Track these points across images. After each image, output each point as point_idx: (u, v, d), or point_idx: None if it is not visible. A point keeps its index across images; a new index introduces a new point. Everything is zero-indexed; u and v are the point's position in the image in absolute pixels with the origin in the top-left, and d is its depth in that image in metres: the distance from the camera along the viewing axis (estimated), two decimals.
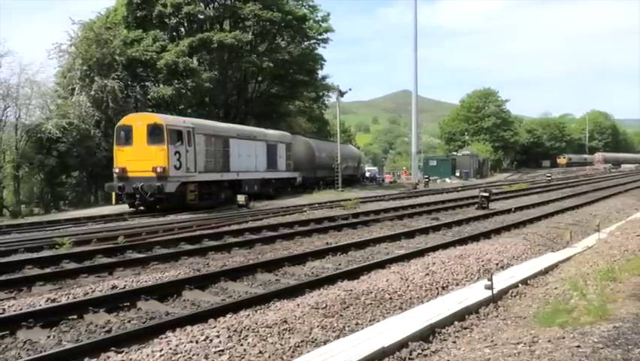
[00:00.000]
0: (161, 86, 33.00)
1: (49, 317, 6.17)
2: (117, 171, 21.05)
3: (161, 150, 20.47)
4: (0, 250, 11.30)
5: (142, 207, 21.10)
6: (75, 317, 6.38)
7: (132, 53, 31.51)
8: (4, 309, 6.50)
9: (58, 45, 31.13)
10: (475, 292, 6.90)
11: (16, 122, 29.51)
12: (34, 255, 10.76)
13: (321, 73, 44.33)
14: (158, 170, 20.12)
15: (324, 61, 43.36)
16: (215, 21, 37.67)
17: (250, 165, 26.65)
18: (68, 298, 7.07)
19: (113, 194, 21.72)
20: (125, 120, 22.18)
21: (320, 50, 42.88)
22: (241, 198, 23.48)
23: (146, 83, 34.31)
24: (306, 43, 41.64)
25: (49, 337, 5.78)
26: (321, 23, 42.12)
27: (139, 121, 21.40)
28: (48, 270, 9.17)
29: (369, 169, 59.15)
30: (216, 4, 38.14)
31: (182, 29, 37.59)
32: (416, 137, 50.69)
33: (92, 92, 29.23)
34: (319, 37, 42.05)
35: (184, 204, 21.21)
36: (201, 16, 36.88)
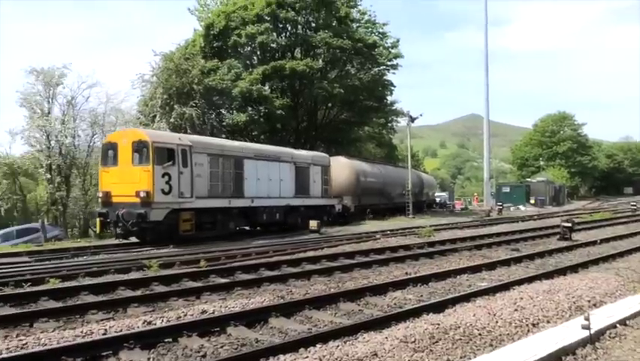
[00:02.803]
0: (235, 113, 34.03)
1: (147, 339, 6.42)
2: (101, 195, 18.79)
3: (145, 172, 17.66)
4: (93, 270, 11.92)
5: (135, 238, 18.77)
6: (170, 340, 6.60)
7: (209, 81, 32.68)
8: (106, 330, 6.83)
9: (141, 75, 32.87)
10: (570, 332, 6.65)
11: None
12: (125, 276, 11.30)
13: (390, 98, 44.50)
14: (141, 194, 17.33)
15: (394, 86, 43.63)
16: (287, 49, 38.59)
17: (272, 190, 23.33)
18: (162, 321, 7.33)
19: (98, 221, 18.53)
20: (111, 137, 19.76)
21: (389, 76, 43.18)
22: (313, 224, 23.72)
23: (222, 110, 35.48)
24: (375, 69, 41.99)
25: (149, 359, 6.02)
26: (390, 50, 42.43)
27: (124, 138, 18.76)
28: (139, 292, 9.57)
29: (438, 195, 58.34)
30: (288, 33, 39.12)
31: (256, 58, 38.69)
32: (488, 162, 49.78)
33: (172, 120, 30.45)
34: (389, 63, 42.35)
35: (177, 236, 18.39)
36: (274, 45, 37.85)
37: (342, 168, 31.00)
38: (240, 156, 21.81)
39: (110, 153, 18.97)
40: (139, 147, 18.07)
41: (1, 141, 39.48)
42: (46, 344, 6.23)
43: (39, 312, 7.92)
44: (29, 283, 10.43)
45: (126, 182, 17.91)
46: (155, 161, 17.69)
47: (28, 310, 8.16)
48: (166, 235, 18.15)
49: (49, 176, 30.47)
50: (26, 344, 6.30)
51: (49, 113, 30.74)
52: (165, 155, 18.17)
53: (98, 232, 19.86)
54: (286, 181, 24.20)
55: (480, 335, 6.87)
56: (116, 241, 18.70)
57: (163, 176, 17.88)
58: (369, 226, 27.57)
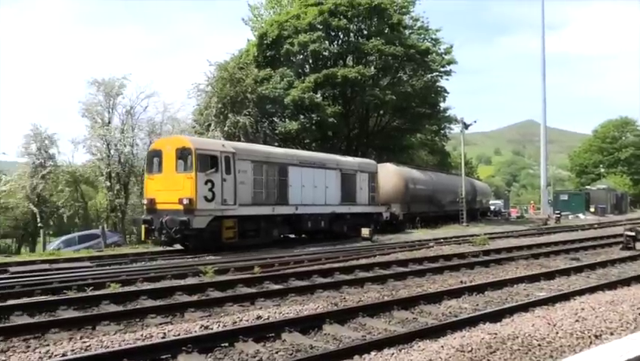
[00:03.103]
0: (287, 121, 34.39)
1: (204, 343, 6.53)
2: (146, 202, 18.94)
3: (188, 179, 17.68)
4: (151, 275, 12.26)
5: (180, 246, 18.95)
6: (227, 344, 6.70)
7: (262, 90, 33.17)
8: (165, 333, 7.00)
9: (197, 85, 33.70)
10: (636, 344, 6.37)
11: None
12: (181, 282, 11.57)
13: (443, 105, 44.03)
14: (184, 202, 17.34)
15: (447, 93, 43.15)
16: (339, 57, 38.73)
17: (317, 197, 22.95)
18: (219, 326, 7.46)
19: (143, 228, 18.83)
20: (156, 144, 19.83)
21: (442, 82, 42.72)
22: (365, 232, 23.62)
23: (274, 119, 35.92)
24: (428, 75, 41.62)
25: None
26: (444, 56, 41.99)
27: (168, 145, 18.78)
28: (195, 297, 9.77)
29: (493, 203, 57.18)
30: (340, 41, 39.28)
31: (308, 66, 39.00)
32: (545, 169, 48.41)
33: (226, 128, 31.03)
34: (442, 69, 41.91)
35: (220, 243, 18.32)
36: (326, 53, 38.08)
37: (391, 175, 30.60)
38: (285, 163, 21.57)
39: (154, 161, 19.06)
40: (182, 154, 18.10)
41: (64, 150, 41.19)
42: (108, 347, 6.43)
43: (101, 315, 8.18)
44: (91, 288, 10.79)
45: (170, 189, 17.90)
46: (198, 168, 17.66)
47: (91, 314, 8.44)
48: (209, 243, 18.05)
49: (108, 184, 31.59)
50: (90, 346, 6.51)
51: (109, 122, 31.93)
52: (208, 162, 18.09)
53: (142, 238, 19.89)
54: (332, 188, 23.81)
55: (539, 345, 6.68)
56: (160, 248, 18.97)
57: (206, 183, 17.82)
58: (421, 233, 27.27)
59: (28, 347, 6.73)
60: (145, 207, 19.12)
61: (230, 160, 18.79)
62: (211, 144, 20.09)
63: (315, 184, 22.80)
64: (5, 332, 7.17)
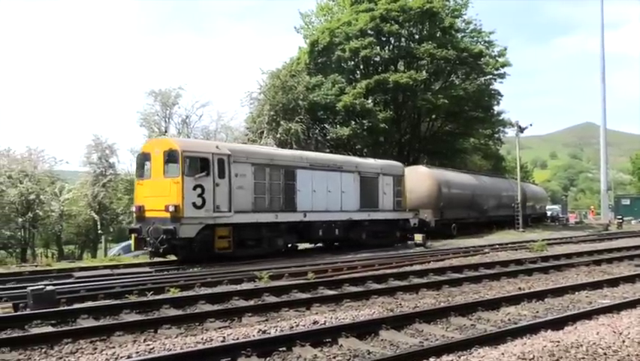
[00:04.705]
0: (339, 127, 34.46)
1: (262, 348, 6.62)
2: (135, 209, 17.45)
3: (175, 184, 16.17)
4: (208, 280, 12.52)
5: (174, 256, 17.38)
6: (284, 348, 6.77)
7: (314, 97, 33.38)
8: (224, 337, 7.14)
9: (250, 93, 34.25)
10: None
11: None
12: (238, 287, 11.77)
13: (497, 108, 43.15)
14: (170, 209, 15.82)
15: (501, 96, 42.31)
16: (390, 62, 38.56)
17: (332, 203, 21.03)
18: (276, 330, 7.55)
19: (133, 238, 17.32)
20: (145, 147, 18.25)
21: (496, 85, 41.95)
22: (418, 237, 23.36)
23: (325, 125, 36.08)
24: (481, 79, 40.96)
25: None
26: (497, 58, 41.19)
27: (157, 148, 17.16)
28: (252, 302, 9.92)
29: (550, 208, 55.57)
30: (391, 46, 39.14)
31: (359, 72, 39.02)
32: (605, 173, 46.72)
33: (278, 135, 31.41)
34: (495, 72, 41.12)
35: (213, 254, 16.85)
36: (377, 59, 37.99)
37: (422, 178, 28.47)
38: (292, 166, 19.80)
39: (143, 165, 17.65)
40: (170, 157, 16.55)
41: (123, 159, 43.02)
42: (170, 349, 6.61)
43: (162, 319, 8.41)
44: (151, 292, 11.10)
45: (158, 195, 16.44)
46: (185, 171, 16.24)
47: (153, 317, 8.70)
48: (201, 253, 16.73)
49: None
50: (153, 348, 6.71)
51: (165, 131, 32.85)
52: (198, 165, 16.66)
53: (133, 249, 18.78)
54: (349, 193, 21.76)
55: (605, 354, 6.46)
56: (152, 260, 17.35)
57: (195, 188, 16.30)
58: (475, 240, 26.74)
59: (95, 348, 6.99)
60: (134, 214, 17.68)
61: (225, 163, 17.19)
62: (202, 145, 18.80)
63: (329, 189, 20.95)
64: (73, 335, 7.48)
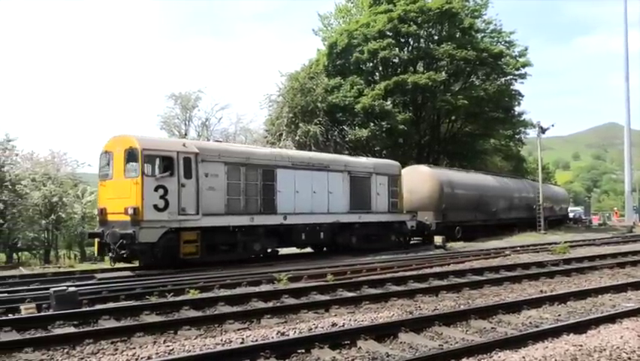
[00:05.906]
0: (358, 128, 34.43)
1: (281, 349, 6.62)
2: (97, 212, 16.41)
3: (135, 185, 15.09)
4: (227, 282, 12.59)
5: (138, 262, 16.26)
6: (303, 350, 6.76)
7: (332, 99, 33.41)
8: (243, 339, 7.16)
9: (269, 96, 34.42)
10: None
11: None
12: (256, 288, 11.81)
13: (517, 109, 42.76)
14: (129, 211, 14.83)
15: (522, 96, 41.91)
16: (409, 63, 38.48)
17: (317, 204, 19.79)
18: (295, 332, 7.55)
19: (96, 243, 16.21)
20: (107, 145, 16.62)
21: (517, 86, 41.53)
22: (438, 240, 23.23)
23: (344, 127, 36.08)
24: (502, 79, 40.60)
25: None
26: (518, 58, 40.79)
27: (118, 146, 15.97)
28: (271, 304, 9.93)
29: (572, 210, 54.86)
30: (410, 47, 39.02)
31: (377, 73, 38.96)
32: (630, 174, 45.94)
33: (297, 137, 31.51)
34: (516, 72, 40.72)
35: (179, 260, 15.73)
36: (395, 60, 37.92)
37: (423, 178, 27.04)
38: (271, 165, 18.63)
39: (104, 164, 16.53)
40: (130, 156, 15.46)
41: None
42: (190, 351, 6.65)
43: (182, 320, 8.47)
44: (172, 294, 11.20)
45: (119, 197, 15.46)
46: (146, 171, 15.25)
47: (173, 319, 8.76)
48: (165, 260, 15.66)
49: None
50: (173, 350, 6.76)
51: (185, 134, 33.21)
52: (160, 164, 15.69)
53: (96, 254, 17.88)
54: (336, 194, 20.51)
55: (629, 358, 6.35)
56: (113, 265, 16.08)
57: (157, 189, 15.24)
58: (495, 242, 26.46)
59: (116, 349, 7.06)
60: (97, 218, 16.73)
61: (192, 162, 16.11)
62: (166, 143, 17.68)
63: (314, 189, 19.72)
64: (95, 335, 7.56)
